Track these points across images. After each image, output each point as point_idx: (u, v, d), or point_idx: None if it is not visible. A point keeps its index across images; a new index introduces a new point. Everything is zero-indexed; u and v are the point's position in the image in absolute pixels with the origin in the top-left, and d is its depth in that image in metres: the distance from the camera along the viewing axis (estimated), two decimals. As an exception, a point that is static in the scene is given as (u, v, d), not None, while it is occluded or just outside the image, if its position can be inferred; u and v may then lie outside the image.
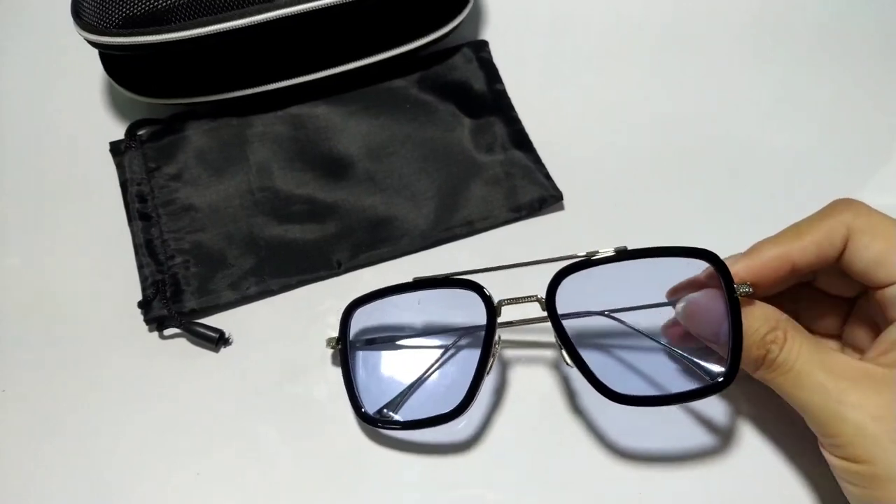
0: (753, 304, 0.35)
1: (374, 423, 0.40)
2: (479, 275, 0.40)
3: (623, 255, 0.37)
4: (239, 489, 0.39)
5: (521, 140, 0.49)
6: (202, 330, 0.43)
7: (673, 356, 0.39)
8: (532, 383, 0.42)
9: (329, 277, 0.46)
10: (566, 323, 0.37)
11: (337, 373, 0.42)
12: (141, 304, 0.44)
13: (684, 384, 0.38)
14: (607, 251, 0.38)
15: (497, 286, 0.38)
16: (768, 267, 0.36)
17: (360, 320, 0.42)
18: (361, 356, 0.42)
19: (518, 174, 0.48)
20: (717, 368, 0.37)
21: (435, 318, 0.43)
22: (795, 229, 0.37)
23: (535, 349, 0.43)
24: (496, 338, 0.38)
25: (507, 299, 0.38)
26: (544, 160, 0.49)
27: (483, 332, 0.38)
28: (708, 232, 0.43)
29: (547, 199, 0.47)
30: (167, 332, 0.44)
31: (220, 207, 0.47)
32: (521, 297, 0.38)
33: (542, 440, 0.40)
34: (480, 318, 0.38)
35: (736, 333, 0.35)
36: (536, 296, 0.38)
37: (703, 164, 0.49)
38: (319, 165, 0.49)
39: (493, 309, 0.38)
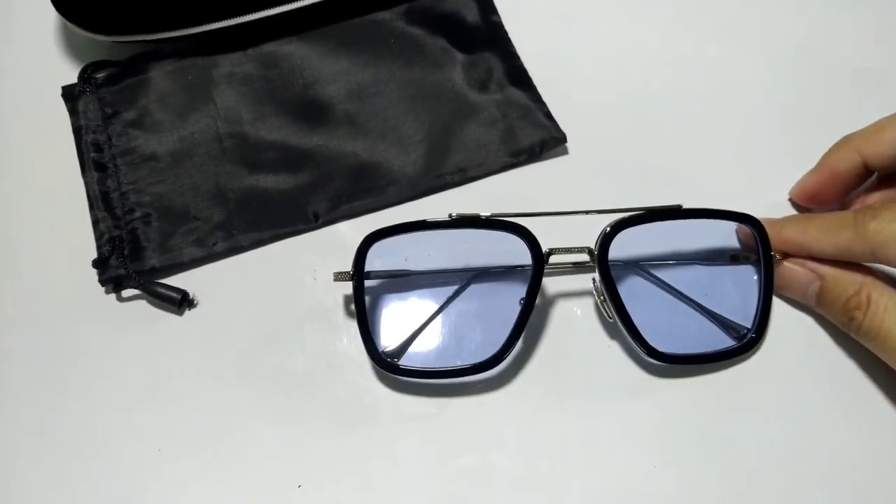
0: (833, 269, 0.35)
1: (394, 369, 0.36)
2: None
3: (681, 213, 0.36)
4: (206, 469, 0.35)
5: (519, 77, 0.45)
6: (163, 291, 0.38)
7: (709, 314, 0.38)
8: (564, 334, 0.38)
9: (305, 231, 0.41)
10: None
11: (317, 340, 0.38)
12: (96, 263, 0.39)
13: (713, 342, 0.38)
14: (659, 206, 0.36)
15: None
16: (837, 168, 0.37)
17: (379, 255, 0.37)
18: (378, 295, 0.38)
19: (516, 114, 0.43)
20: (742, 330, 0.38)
21: (465, 261, 0.39)
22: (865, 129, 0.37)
23: (569, 299, 0.39)
24: (539, 289, 0.36)
25: (558, 248, 0.36)
26: (546, 101, 0.44)
27: (524, 277, 0.36)
28: (725, 184, 0.42)
29: (548, 141, 0.42)
30: (125, 293, 0.39)
31: (183, 156, 0.42)
32: (573, 248, 0.36)
33: (568, 400, 0.37)
34: (506, 248, 0.36)
35: (766, 299, 0.38)
36: (588, 247, 0.36)
37: (721, 112, 0.45)
38: (294, 108, 0.44)
39: (540, 257, 0.35)
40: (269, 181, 0.41)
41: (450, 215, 0.35)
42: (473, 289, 0.39)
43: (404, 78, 0.44)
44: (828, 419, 0.36)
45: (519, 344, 0.37)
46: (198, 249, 0.39)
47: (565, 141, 0.43)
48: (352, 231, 0.41)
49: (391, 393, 0.37)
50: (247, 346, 0.38)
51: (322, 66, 0.45)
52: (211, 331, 0.38)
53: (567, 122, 0.43)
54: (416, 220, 0.35)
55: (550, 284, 0.39)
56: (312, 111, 0.44)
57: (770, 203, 0.41)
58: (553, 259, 0.36)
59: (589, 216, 0.36)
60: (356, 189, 0.41)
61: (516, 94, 0.44)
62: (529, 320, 0.36)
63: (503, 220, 0.35)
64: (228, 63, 0.45)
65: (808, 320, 0.38)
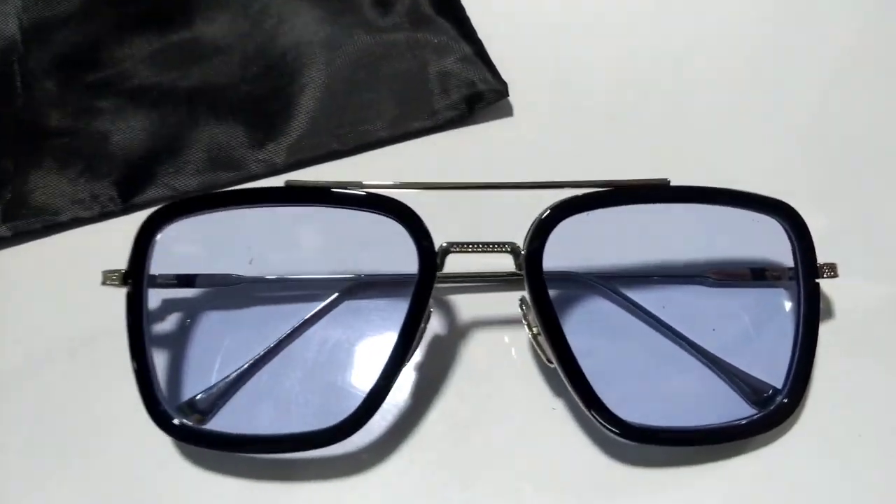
0: None
1: (187, 436, 0.22)
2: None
3: (668, 193, 0.23)
4: None
5: (446, 3, 0.31)
6: None
7: (716, 364, 0.24)
8: (475, 366, 0.24)
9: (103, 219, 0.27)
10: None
11: (92, 380, 0.24)
12: None
13: (718, 408, 0.23)
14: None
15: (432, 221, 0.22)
16: None
17: (173, 246, 0.23)
18: (168, 300, 0.24)
19: (439, 56, 0.29)
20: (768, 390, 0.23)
21: (312, 258, 0.25)
22: None
23: (492, 330, 0.25)
24: (428, 306, 0.22)
25: (458, 243, 0.22)
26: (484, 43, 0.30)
27: (398, 282, 0.23)
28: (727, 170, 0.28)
29: (483, 94, 0.29)
30: None
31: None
32: (484, 244, 0.22)
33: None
34: (401, 267, 0.22)
35: (807, 341, 0.23)
36: (513, 243, 0.22)
37: (709, 91, 0.31)
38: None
39: (431, 256, 0.21)
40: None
41: (286, 183, 0.22)
42: (346, 307, 0.25)
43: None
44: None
45: (400, 402, 0.23)
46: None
47: (506, 95, 0.29)
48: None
49: (191, 473, 0.22)
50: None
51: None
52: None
53: (512, 72, 0.29)
54: (224, 191, 0.22)
55: (464, 304, 0.25)
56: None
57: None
58: (453, 261, 0.22)
59: (522, 193, 0.22)
60: (194, 161, 0.28)
61: (442, 26, 0.30)
62: (425, 362, 0.22)
63: (372, 194, 0.21)
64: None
65: (869, 372, 0.24)
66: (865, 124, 0.30)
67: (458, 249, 0.22)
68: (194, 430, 0.21)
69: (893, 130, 0.30)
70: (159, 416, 0.21)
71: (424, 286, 0.21)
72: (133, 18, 0.30)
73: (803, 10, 0.34)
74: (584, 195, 0.22)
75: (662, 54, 0.32)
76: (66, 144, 0.28)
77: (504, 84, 0.29)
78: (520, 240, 0.22)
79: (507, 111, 0.29)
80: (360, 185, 0.22)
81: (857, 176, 0.29)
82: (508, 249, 0.22)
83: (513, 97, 0.29)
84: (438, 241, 0.22)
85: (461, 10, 0.31)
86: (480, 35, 0.30)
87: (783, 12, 0.34)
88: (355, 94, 0.29)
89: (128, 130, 0.28)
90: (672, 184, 0.22)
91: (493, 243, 0.22)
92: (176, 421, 0.21)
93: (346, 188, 0.21)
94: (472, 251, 0.22)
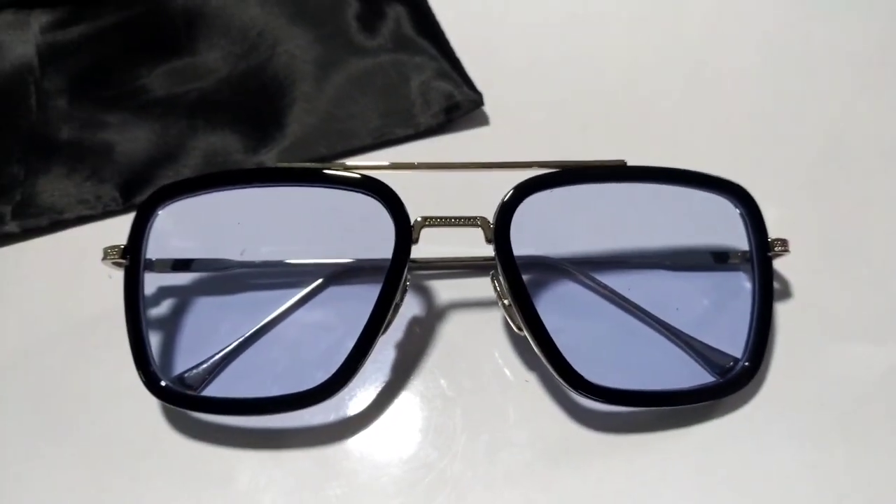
0: None
1: (181, 401, 0.23)
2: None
3: (624, 173, 0.24)
4: None
5: (426, 26, 0.33)
6: None
7: (673, 334, 0.25)
8: (451, 350, 0.25)
9: (109, 216, 0.29)
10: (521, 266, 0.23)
11: (99, 359, 0.25)
12: None
13: (684, 378, 0.24)
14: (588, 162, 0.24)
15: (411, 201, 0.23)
16: None
17: (169, 227, 0.24)
18: (164, 286, 0.26)
19: (420, 72, 0.32)
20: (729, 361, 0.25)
21: (296, 236, 0.27)
22: None
23: (470, 311, 0.26)
24: (404, 278, 0.23)
25: (432, 217, 0.23)
26: (461, 58, 0.32)
27: (381, 268, 0.23)
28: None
29: (460, 104, 0.31)
30: None
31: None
32: (456, 218, 0.23)
33: (460, 468, 0.23)
34: (378, 243, 0.23)
35: (763, 312, 0.24)
36: (482, 217, 0.23)
37: (690, 87, 0.34)
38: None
39: (406, 230, 0.23)
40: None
41: (277, 165, 0.24)
42: (331, 292, 0.26)
43: (279, 25, 0.33)
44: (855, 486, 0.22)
45: (380, 377, 0.24)
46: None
47: (481, 103, 0.31)
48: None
49: (188, 443, 0.24)
50: (3, 361, 0.25)
51: None
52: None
53: (488, 84, 0.32)
54: (215, 172, 0.24)
55: (441, 288, 0.27)
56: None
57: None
58: (428, 234, 0.23)
59: (494, 176, 0.24)
60: (191, 166, 0.30)
61: (422, 46, 0.32)
62: (404, 340, 0.24)
63: (353, 175, 0.23)
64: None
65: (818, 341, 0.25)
66: (823, 118, 0.32)
67: (431, 223, 0.23)
68: (186, 396, 0.23)
69: (851, 123, 0.32)
70: (153, 381, 0.22)
71: (400, 257, 0.23)
72: (140, 43, 0.33)
73: None
74: (547, 174, 0.23)
75: (631, 62, 0.34)
76: (73, 154, 0.29)
77: (479, 94, 0.31)
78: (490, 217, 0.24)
79: (483, 120, 0.31)
80: (343, 167, 0.24)
81: (813, 168, 0.31)
82: (479, 223, 0.23)
83: (487, 107, 0.31)
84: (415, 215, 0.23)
85: (439, 31, 0.33)
86: (457, 52, 0.32)
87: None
88: (342, 106, 0.31)
89: (131, 141, 0.30)
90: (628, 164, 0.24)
91: (465, 217, 0.23)
92: (167, 385, 0.23)
93: (330, 169, 0.23)
94: (445, 225, 0.23)
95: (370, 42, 0.33)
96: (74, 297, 0.26)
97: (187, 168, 0.29)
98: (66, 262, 0.27)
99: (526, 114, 0.31)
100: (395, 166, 0.24)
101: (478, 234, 0.23)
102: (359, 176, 0.23)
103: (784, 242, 0.24)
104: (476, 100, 0.31)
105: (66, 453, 0.23)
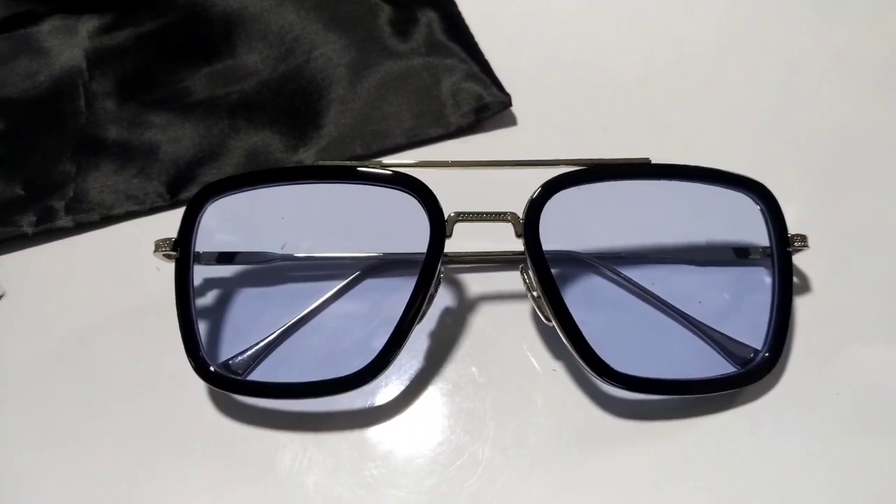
0: None
1: (228, 385, 0.24)
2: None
3: (650, 171, 0.25)
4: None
5: (456, 30, 0.34)
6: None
7: (703, 331, 0.26)
8: (482, 340, 0.26)
9: (157, 212, 0.30)
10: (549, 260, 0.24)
11: (145, 345, 0.26)
12: None
13: (705, 368, 0.25)
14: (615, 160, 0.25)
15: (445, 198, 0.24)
16: None
17: (215, 222, 0.26)
18: (210, 277, 0.27)
19: (450, 74, 0.33)
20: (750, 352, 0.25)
21: (334, 231, 0.28)
22: None
23: (500, 304, 0.27)
24: (438, 270, 0.24)
25: (465, 213, 0.24)
26: (490, 60, 0.33)
27: (415, 261, 0.24)
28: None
29: (489, 105, 0.32)
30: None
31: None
32: (488, 213, 0.24)
33: (488, 451, 0.24)
34: (412, 238, 0.24)
35: (783, 305, 0.25)
36: (512, 212, 0.24)
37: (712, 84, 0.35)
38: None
39: (441, 225, 0.24)
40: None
41: (318, 163, 0.25)
42: (367, 284, 0.27)
43: (315, 30, 0.35)
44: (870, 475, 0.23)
45: (415, 364, 0.25)
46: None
47: (510, 104, 0.32)
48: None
49: (233, 425, 0.25)
50: (63, 344, 0.27)
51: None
52: (19, 325, 0.27)
53: (515, 86, 0.33)
54: (264, 169, 0.25)
55: (473, 282, 0.28)
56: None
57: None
58: (459, 230, 0.24)
59: (524, 175, 0.25)
60: (233, 164, 0.31)
61: (452, 49, 0.33)
62: (437, 331, 0.25)
63: (393, 172, 0.24)
64: None
65: (846, 340, 0.26)
66: (840, 118, 0.33)
67: (464, 218, 0.24)
68: (233, 380, 0.24)
69: (868, 122, 0.33)
70: (202, 367, 0.24)
71: (435, 250, 0.24)
72: (182, 47, 0.34)
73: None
74: (575, 171, 0.24)
75: (652, 64, 0.35)
76: (121, 152, 0.31)
77: (508, 96, 0.32)
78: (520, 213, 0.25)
79: (511, 120, 0.32)
80: (380, 164, 0.25)
81: (830, 168, 0.31)
82: (509, 218, 0.24)
83: (515, 107, 0.32)
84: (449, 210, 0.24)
85: (469, 35, 0.34)
86: (486, 55, 0.33)
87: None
88: (377, 107, 0.32)
89: (175, 140, 0.31)
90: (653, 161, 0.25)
91: (496, 213, 0.24)
92: (216, 370, 0.24)
93: (368, 167, 0.25)
94: (477, 220, 0.24)
95: (403, 46, 0.34)
96: (122, 288, 0.28)
97: (229, 166, 0.30)
98: (115, 255, 0.29)
99: (552, 114, 0.32)
100: (429, 164, 0.25)
101: (506, 231, 0.24)
102: (395, 173, 0.24)
103: (803, 238, 0.25)
104: (504, 101, 0.32)
105: (113, 435, 0.24)
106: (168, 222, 0.29)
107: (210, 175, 0.30)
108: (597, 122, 0.32)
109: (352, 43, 0.34)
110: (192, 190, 0.30)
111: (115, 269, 0.28)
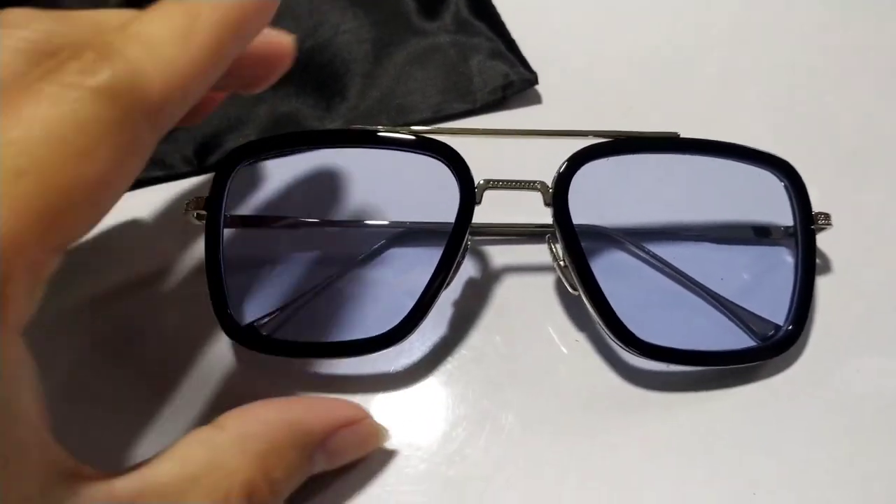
0: None
1: (255, 343, 0.24)
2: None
3: (678, 144, 0.25)
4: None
5: (483, 9, 0.34)
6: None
7: (718, 301, 0.26)
8: (506, 310, 0.27)
9: (185, 177, 0.30)
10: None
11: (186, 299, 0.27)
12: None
13: (728, 341, 0.25)
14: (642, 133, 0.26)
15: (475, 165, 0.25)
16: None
17: (245, 184, 0.26)
18: (238, 240, 0.27)
19: (474, 50, 0.33)
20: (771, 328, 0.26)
21: (362, 196, 0.28)
22: None
23: (525, 275, 0.27)
24: (466, 237, 0.24)
25: (495, 180, 0.24)
26: (515, 37, 0.34)
27: (442, 231, 0.24)
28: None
29: (515, 82, 0.32)
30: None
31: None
32: (517, 181, 0.25)
33: (511, 417, 0.24)
34: (441, 206, 0.24)
35: (806, 280, 0.25)
36: (542, 181, 0.25)
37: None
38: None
39: (470, 191, 0.24)
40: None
41: (350, 127, 0.25)
42: (395, 251, 0.28)
43: (343, 6, 0.35)
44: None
45: (439, 332, 0.25)
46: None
47: (536, 82, 0.32)
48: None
49: (258, 390, 0.25)
50: (86, 307, 0.27)
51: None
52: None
53: (542, 63, 0.33)
54: (295, 132, 0.25)
55: (499, 253, 0.28)
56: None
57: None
58: (491, 196, 0.25)
59: (553, 145, 0.25)
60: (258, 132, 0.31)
61: (479, 28, 0.34)
62: (462, 300, 0.25)
63: (424, 138, 0.24)
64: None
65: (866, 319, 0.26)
66: (862, 104, 0.33)
67: (494, 186, 0.24)
68: (261, 338, 0.24)
69: (891, 106, 0.33)
70: (230, 326, 0.24)
71: (464, 216, 0.24)
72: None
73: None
74: (604, 142, 0.25)
75: (680, 45, 0.35)
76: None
77: (534, 74, 0.32)
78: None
79: (536, 98, 0.32)
80: (409, 131, 0.25)
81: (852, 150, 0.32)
82: (538, 187, 0.24)
83: (541, 86, 0.32)
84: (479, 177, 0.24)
85: (495, 13, 0.34)
86: (512, 33, 0.34)
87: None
88: (402, 82, 0.32)
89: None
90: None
91: (525, 181, 0.24)
92: (243, 329, 0.24)
93: (398, 132, 0.25)
94: (507, 188, 0.24)
95: (429, 24, 0.34)
96: (151, 249, 0.28)
97: (256, 135, 0.31)
98: (144, 217, 0.29)
99: (577, 93, 0.32)
100: (458, 131, 0.25)
101: (532, 203, 0.25)
102: (425, 138, 0.24)
103: (827, 216, 0.25)
104: (531, 79, 0.32)
105: (144, 388, 0.24)
106: (193, 188, 0.30)
107: (237, 143, 0.30)
108: (622, 101, 0.32)
109: (379, 20, 0.34)
110: (219, 156, 0.30)
111: (144, 231, 0.29)
